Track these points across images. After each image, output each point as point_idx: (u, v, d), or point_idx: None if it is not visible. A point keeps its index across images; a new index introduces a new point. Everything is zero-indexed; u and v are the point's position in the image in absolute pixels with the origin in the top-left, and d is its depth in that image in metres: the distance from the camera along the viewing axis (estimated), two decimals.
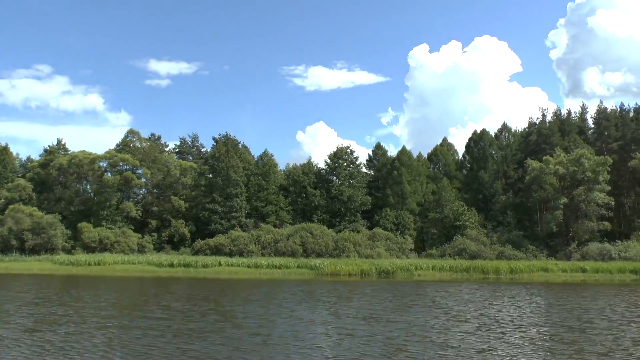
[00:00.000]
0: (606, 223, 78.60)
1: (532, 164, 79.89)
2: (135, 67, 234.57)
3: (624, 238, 78.46)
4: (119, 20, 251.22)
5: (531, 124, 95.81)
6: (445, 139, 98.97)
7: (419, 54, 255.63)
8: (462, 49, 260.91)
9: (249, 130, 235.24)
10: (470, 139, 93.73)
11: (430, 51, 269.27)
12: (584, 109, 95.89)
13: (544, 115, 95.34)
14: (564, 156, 79.64)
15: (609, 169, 79.71)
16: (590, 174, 77.83)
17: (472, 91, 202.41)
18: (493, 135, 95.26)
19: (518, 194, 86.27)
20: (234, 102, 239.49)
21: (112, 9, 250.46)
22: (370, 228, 79.23)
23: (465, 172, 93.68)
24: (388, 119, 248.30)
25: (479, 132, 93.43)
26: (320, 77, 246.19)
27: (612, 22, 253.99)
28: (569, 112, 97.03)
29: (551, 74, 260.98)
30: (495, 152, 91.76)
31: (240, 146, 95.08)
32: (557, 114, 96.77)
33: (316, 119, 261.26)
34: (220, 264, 64.27)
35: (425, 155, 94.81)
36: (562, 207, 77.36)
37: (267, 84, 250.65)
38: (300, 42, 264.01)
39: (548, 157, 79.76)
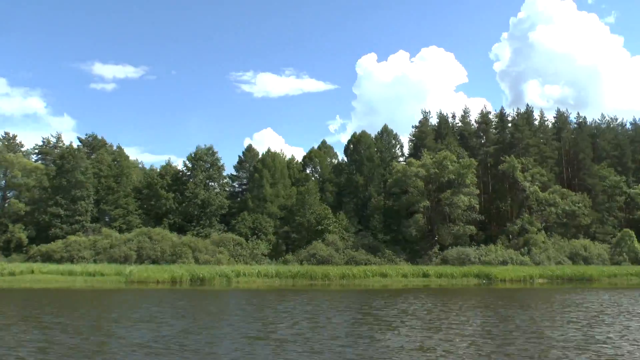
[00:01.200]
0: (471, 227, 76.63)
1: (396, 166, 77.40)
2: (80, 70, 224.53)
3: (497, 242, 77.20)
4: (62, 21, 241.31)
5: (416, 127, 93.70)
6: (324, 142, 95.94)
7: (366, 63, 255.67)
8: (410, 59, 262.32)
9: (197, 136, 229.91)
10: (349, 142, 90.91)
11: (378, 60, 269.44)
12: (465, 113, 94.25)
13: (426, 119, 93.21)
14: (429, 158, 77.35)
15: (475, 171, 78.01)
16: (453, 177, 75.74)
17: (419, 100, 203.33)
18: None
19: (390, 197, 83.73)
20: (182, 107, 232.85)
21: (55, 10, 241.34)
22: (226, 232, 75.40)
23: (345, 176, 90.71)
24: (336, 126, 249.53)
25: (358, 134, 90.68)
26: (269, 84, 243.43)
27: (551, 38, 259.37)
28: (454, 115, 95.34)
29: (495, 86, 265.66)
30: (375, 155, 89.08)
31: (110, 147, 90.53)
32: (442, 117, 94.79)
33: (264, 126, 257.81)
34: (32, 272, 59.15)
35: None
36: (422, 210, 74.94)
37: (215, 89, 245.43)
38: (249, 48, 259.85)
39: (411, 159, 77.45)
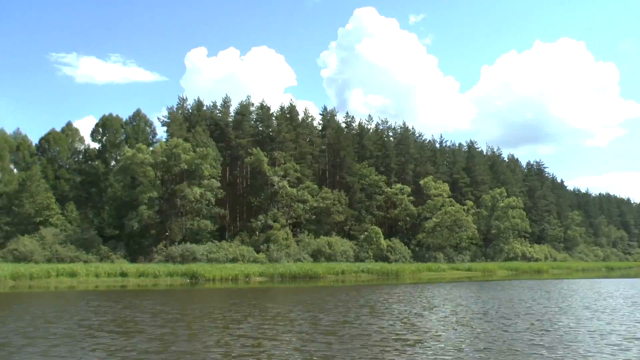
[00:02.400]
0: (207, 222, 71.52)
1: (126, 152, 70.03)
2: None
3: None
4: None
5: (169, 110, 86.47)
6: (70, 124, 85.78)
7: (196, 56, 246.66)
8: (240, 56, 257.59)
9: (10, 119, 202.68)
10: (96, 125, 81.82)
11: (208, 55, 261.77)
12: (225, 103, 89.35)
13: (182, 105, 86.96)
14: (163, 146, 71.05)
15: (214, 163, 73.08)
16: (186, 167, 70.11)
17: (245, 98, 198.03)
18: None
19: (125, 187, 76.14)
20: None
21: None
22: None
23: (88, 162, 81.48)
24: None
25: (106, 116, 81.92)
26: (93, 69, 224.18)
27: (375, 51, 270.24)
28: (215, 105, 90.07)
29: (322, 91, 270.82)
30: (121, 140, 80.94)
31: None
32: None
33: (87, 113, 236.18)
34: None
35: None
36: (148, 201, 68.38)
37: (31, 69, 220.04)
38: (72, 29, 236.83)
39: (141, 145, 70.56)
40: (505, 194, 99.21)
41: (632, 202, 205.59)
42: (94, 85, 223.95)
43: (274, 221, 75.64)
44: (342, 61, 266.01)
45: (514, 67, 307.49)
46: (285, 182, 77.99)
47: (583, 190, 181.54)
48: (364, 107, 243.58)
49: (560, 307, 27.31)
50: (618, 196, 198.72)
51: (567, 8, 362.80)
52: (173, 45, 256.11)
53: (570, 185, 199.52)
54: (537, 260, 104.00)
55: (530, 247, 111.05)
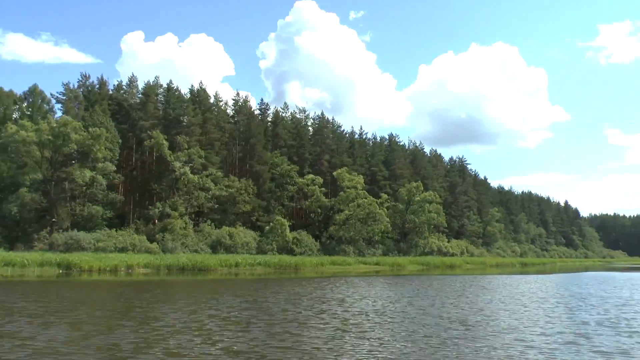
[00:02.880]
0: (98, 207, 66.66)
1: (10, 128, 64.14)
2: None
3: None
4: None
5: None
6: None
7: (133, 40, 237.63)
8: (178, 43, 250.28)
9: None
10: None
11: (145, 40, 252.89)
12: (132, 82, 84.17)
13: (84, 83, 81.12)
14: (50, 123, 65.55)
15: (108, 144, 68.20)
16: (76, 147, 65.06)
17: (184, 86, 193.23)
18: None
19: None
20: None
21: None
22: None
23: None
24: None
25: None
26: (21, 46, 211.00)
27: (314, 45, 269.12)
28: (122, 83, 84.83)
29: (260, 82, 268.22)
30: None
31: None
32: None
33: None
34: None
35: None
36: (28, 184, 63.02)
37: None
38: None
39: (26, 121, 64.94)
40: (422, 187, 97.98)
41: (552, 200, 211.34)
42: (21, 63, 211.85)
43: (173, 209, 71.44)
44: (281, 53, 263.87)
45: (450, 67, 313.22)
46: (187, 169, 73.86)
47: (507, 188, 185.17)
48: (301, 100, 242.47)
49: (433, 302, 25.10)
50: (539, 195, 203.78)
51: (503, 14, 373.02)
52: (109, 27, 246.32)
53: (497, 183, 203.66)
54: (453, 255, 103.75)
55: (448, 242, 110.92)
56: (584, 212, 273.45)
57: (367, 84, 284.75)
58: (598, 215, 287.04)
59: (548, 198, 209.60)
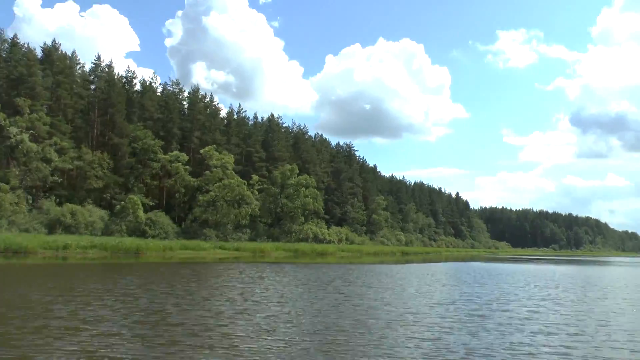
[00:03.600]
0: None
1: None
2: None
3: None
4: None
5: None
6: None
7: (28, 4, 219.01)
8: (80, 12, 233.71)
9: None
10: None
11: (43, 5, 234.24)
12: None
13: None
14: None
15: None
16: None
17: (84, 59, 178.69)
18: None
19: None
20: None
21: None
22: None
23: None
24: None
25: None
26: None
27: (223, 26, 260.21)
28: None
29: (165, 60, 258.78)
30: None
31: None
32: None
33: None
34: None
35: None
36: None
37: None
38: None
39: None
40: (297, 170, 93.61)
41: (443, 192, 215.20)
42: None
43: (4, 182, 63.07)
44: (188, 32, 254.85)
45: (357, 59, 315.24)
46: (25, 136, 65.50)
47: (402, 179, 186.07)
48: (206, 82, 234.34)
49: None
50: (431, 186, 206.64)
51: (411, 12, 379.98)
52: None
53: (400, 175, 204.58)
54: (329, 242, 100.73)
55: (327, 229, 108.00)
56: (476, 205, 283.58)
57: (274, 70, 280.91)
58: (488, 208, 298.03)
59: (440, 189, 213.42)
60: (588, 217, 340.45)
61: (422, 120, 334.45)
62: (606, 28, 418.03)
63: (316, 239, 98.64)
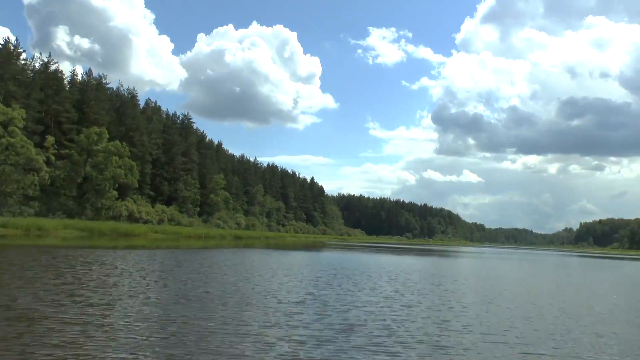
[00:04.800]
0: None
1: None
2: None
3: None
4: None
5: None
6: None
7: None
8: None
9: None
10: None
11: None
12: None
13: None
14: None
15: None
16: None
17: None
18: None
19: None
20: None
21: None
22: None
23: None
24: None
25: None
26: None
27: None
28: None
29: (22, 20, 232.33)
30: None
31: None
32: None
33: None
34: None
35: None
36: None
37: None
38: None
39: None
40: (107, 135, 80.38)
41: (297, 175, 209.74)
42: None
43: None
44: None
45: (229, 41, 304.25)
46: None
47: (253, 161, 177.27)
48: (68, 48, 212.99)
49: None
50: (284, 169, 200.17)
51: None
52: None
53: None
54: (147, 222, 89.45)
55: (152, 207, 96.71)
56: (334, 192, 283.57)
57: (142, 42, 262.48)
58: (346, 195, 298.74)
59: (294, 173, 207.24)
60: (442, 208, 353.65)
61: (291, 108, 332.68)
62: (468, 36, 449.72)
63: (131, 218, 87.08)
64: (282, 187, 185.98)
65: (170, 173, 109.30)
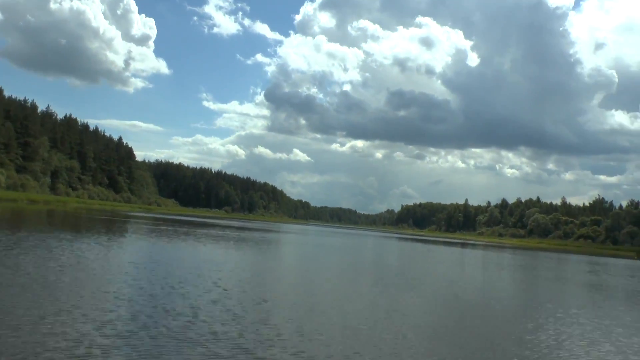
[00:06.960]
0: None
1: None
2: None
3: None
4: None
5: None
6: None
7: None
8: None
9: None
10: None
11: None
12: None
13: None
14: None
15: None
16: None
17: None
18: None
19: None
20: None
21: None
22: None
23: None
24: None
25: None
26: None
27: None
28: None
29: None
30: None
31: None
32: None
33: None
34: None
35: None
36: None
37: None
38: None
39: None
40: None
41: (102, 133, 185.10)
42: None
43: None
44: None
45: None
46: None
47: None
48: None
49: None
50: (84, 123, 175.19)
51: None
52: None
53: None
54: None
55: None
56: (151, 158, 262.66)
57: None
58: (163, 162, 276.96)
59: (96, 129, 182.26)
60: (266, 182, 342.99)
61: (122, 69, 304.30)
62: (306, 19, 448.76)
63: None
64: (79, 143, 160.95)
65: None
